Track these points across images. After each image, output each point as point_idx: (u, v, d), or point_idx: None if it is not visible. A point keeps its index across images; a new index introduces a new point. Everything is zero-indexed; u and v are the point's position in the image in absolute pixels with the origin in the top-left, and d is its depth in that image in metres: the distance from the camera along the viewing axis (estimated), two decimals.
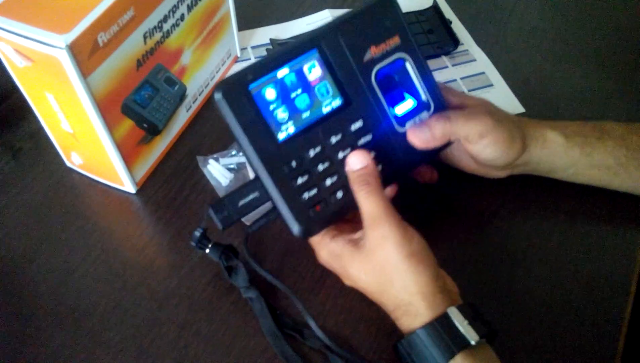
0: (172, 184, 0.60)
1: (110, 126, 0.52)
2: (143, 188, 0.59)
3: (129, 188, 0.58)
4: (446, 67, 0.70)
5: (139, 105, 0.55)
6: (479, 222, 0.56)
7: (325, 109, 0.46)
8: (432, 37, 0.72)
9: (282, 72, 0.44)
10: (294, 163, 0.44)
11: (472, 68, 0.70)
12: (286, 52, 0.45)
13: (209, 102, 0.67)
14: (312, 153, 0.45)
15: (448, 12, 0.77)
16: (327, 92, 0.46)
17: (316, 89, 0.46)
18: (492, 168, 0.54)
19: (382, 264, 0.43)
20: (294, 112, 0.45)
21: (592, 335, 0.48)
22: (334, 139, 0.45)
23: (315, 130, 0.45)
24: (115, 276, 0.53)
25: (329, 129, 0.45)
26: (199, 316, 0.50)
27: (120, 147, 0.54)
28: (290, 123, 0.45)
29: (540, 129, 0.52)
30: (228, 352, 0.48)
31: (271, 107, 0.44)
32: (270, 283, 0.50)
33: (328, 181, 0.45)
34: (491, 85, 0.68)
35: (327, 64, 0.46)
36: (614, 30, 0.75)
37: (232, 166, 0.60)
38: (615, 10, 0.78)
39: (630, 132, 0.53)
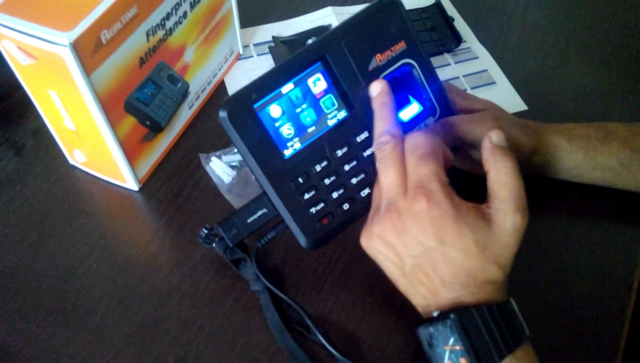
0: (175, 182, 0.60)
1: (113, 123, 0.52)
2: (146, 186, 0.59)
3: (132, 185, 0.59)
4: (448, 64, 0.70)
5: (141, 102, 0.55)
6: None
7: (331, 122, 0.46)
8: (434, 34, 0.72)
9: (287, 88, 0.44)
10: (300, 179, 0.44)
11: (474, 66, 0.70)
12: (290, 67, 0.44)
13: (212, 100, 0.67)
14: (318, 167, 0.44)
15: (451, 10, 0.77)
16: (333, 104, 0.46)
17: (321, 102, 0.45)
18: None
19: (506, 247, 0.40)
20: (299, 128, 0.45)
21: (594, 331, 0.48)
22: (339, 153, 0.45)
23: (321, 144, 0.45)
24: (118, 273, 0.53)
25: (335, 142, 0.45)
26: (202, 313, 0.50)
27: (123, 144, 0.54)
28: (296, 139, 0.45)
29: (544, 134, 0.52)
30: (231, 348, 0.48)
31: (277, 124, 0.44)
32: (278, 277, 0.50)
33: (334, 194, 0.45)
34: (494, 83, 0.68)
35: (331, 76, 0.45)
36: (618, 28, 0.75)
37: (234, 164, 0.60)
38: (619, 7, 0.77)
39: (634, 133, 0.53)
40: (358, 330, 0.49)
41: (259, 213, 0.46)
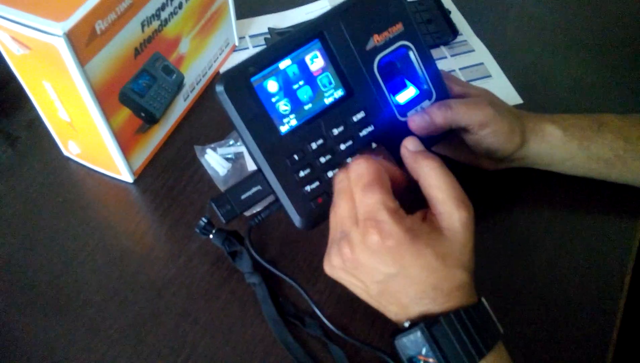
0: (170, 174, 0.59)
1: (107, 114, 0.52)
2: (141, 178, 0.59)
3: (127, 177, 0.58)
4: (445, 57, 0.70)
5: (136, 94, 0.55)
6: (477, 214, 0.56)
7: (328, 100, 0.46)
8: (431, 27, 0.72)
9: (284, 64, 0.44)
10: (296, 156, 0.44)
11: (470, 59, 0.70)
12: (288, 43, 0.44)
13: (207, 91, 0.67)
14: (314, 145, 0.44)
15: (447, 2, 0.76)
16: (330, 83, 0.46)
17: (318, 80, 0.45)
18: (490, 160, 0.54)
19: (463, 245, 0.39)
20: (296, 104, 0.45)
21: (586, 325, 0.49)
22: (335, 131, 0.45)
23: (317, 122, 0.45)
24: (113, 265, 0.53)
25: (331, 121, 0.45)
26: (197, 305, 0.50)
27: (118, 136, 0.54)
28: (292, 116, 0.44)
29: (539, 123, 0.52)
30: (226, 340, 0.48)
31: (273, 99, 0.44)
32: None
33: (330, 174, 0.45)
34: (489, 76, 0.68)
35: (329, 54, 0.45)
36: (613, 21, 0.75)
37: (229, 156, 0.60)
38: (615, 1, 0.77)
39: (628, 124, 0.53)
40: (353, 322, 0.49)
41: (253, 189, 0.46)
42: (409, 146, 0.43)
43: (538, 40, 0.73)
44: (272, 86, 0.44)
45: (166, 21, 0.55)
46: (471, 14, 0.75)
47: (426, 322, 0.39)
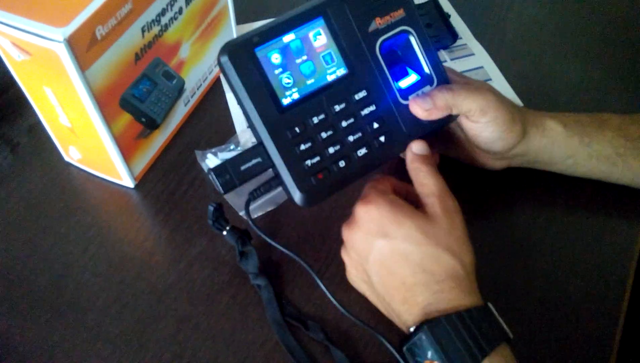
0: (171, 179, 0.59)
1: (108, 120, 0.52)
2: (141, 183, 0.59)
3: (128, 182, 0.58)
4: (445, 61, 0.70)
5: (137, 99, 0.55)
6: (477, 215, 0.56)
7: (330, 78, 0.46)
8: (430, 31, 0.72)
9: (288, 38, 0.45)
10: (297, 129, 0.44)
11: (470, 62, 0.70)
12: (292, 19, 0.45)
13: (208, 96, 0.67)
14: (315, 120, 0.45)
15: (447, 6, 0.77)
16: (332, 60, 0.46)
17: (321, 56, 0.46)
18: (490, 156, 0.54)
19: (448, 231, 0.42)
20: (298, 78, 0.45)
21: (588, 327, 0.49)
22: (337, 108, 0.46)
23: (319, 97, 0.45)
24: (114, 270, 0.53)
25: (333, 97, 0.46)
26: (198, 310, 0.50)
27: (119, 141, 0.54)
28: (294, 89, 0.45)
29: (539, 118, 0.52)
30: (227, 344, 0.48)
31: (276, 71, 0.44)
32: (276, 273, 0.50)
33: (331, 150, 0.45)
34: (490, 79, 0.68)
35: (332, 33, 0.46)
36: (612, 23, 0.75)
37: None
38: (614, 2, 0.78)
39: (628, 122, 0.53)
40: (355, 327, 0.49)
41: (253, 161, 0.45)
42: (413, 148, 0.47)
43: (538, 43, 0.73)
44: (275, 58, 0.44)
45: (166, 26, 0.56)
46: (471, 17, 0.75)
47: (429, 323, 0.40)
